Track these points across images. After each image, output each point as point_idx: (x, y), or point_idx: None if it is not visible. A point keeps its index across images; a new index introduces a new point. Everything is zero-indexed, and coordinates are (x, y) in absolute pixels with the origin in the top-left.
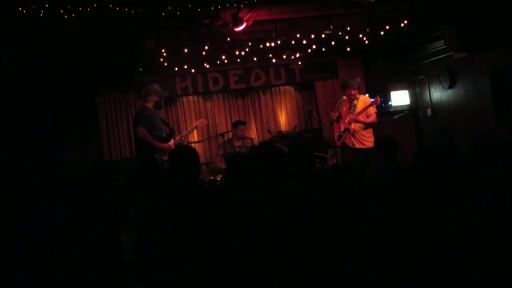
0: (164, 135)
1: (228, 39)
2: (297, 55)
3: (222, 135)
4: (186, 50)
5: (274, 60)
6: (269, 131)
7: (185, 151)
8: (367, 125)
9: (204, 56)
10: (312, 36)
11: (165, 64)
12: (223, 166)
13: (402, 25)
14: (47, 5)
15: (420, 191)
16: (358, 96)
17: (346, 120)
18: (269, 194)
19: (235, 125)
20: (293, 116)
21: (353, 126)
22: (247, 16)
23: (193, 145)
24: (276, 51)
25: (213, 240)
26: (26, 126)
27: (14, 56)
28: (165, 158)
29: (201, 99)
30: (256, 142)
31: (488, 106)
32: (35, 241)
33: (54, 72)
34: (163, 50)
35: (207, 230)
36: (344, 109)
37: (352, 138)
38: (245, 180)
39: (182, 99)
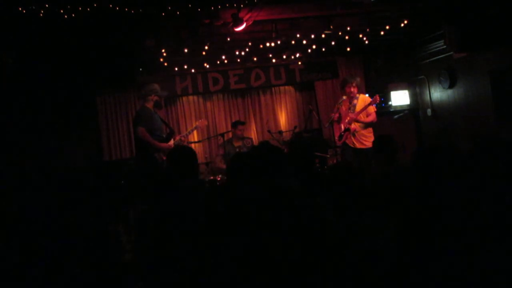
0: (164, 135)
1: (228, 39)
2: (297, 55)
3: (222, 135)
4: (186, 50)
5: (274, 60)
6: (269, 131)
7: (182, 151)
8: (367, 125)
9: (204, 56)
10: (312, 36)
11: (165, 64)
12: (223, 166)
13: (402, 25)
14: (47, 5)
15: (420, 191)
16: (357, 95)
17: (346, 120)
18: (269, 194)
19: (235, 125)
20: (293, 116)
21: (354, 125)
22: (247, 16)
23: (193, 145)
24: (276, 51)
25: (213, 240)
26: (26, 126)
27: (14, 56)
28: (165, 158)
29: (201, 99)
30: (256, 142)
31: (488, 106)
32: (35, 241)
33: (54, 72)
34: (163, 50)
35: (207, 230)
36: (344, 108)
37: (353, 138)
38: (245, 180)
39: (182, 99)
